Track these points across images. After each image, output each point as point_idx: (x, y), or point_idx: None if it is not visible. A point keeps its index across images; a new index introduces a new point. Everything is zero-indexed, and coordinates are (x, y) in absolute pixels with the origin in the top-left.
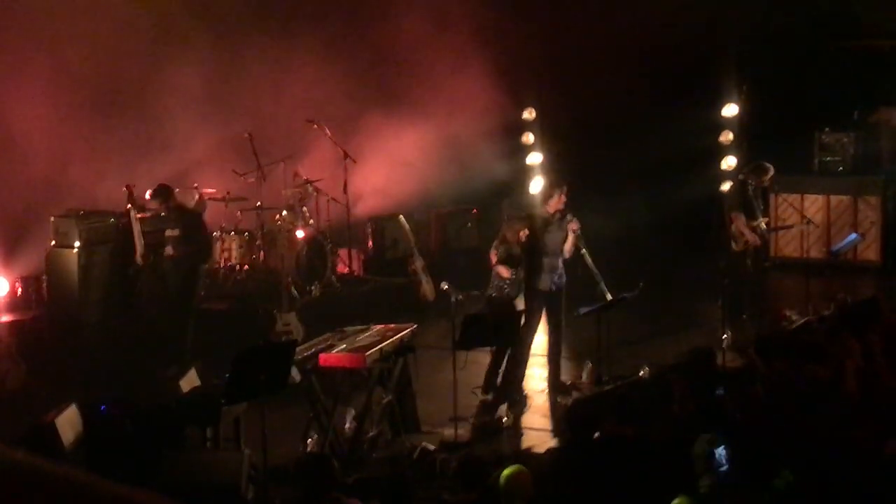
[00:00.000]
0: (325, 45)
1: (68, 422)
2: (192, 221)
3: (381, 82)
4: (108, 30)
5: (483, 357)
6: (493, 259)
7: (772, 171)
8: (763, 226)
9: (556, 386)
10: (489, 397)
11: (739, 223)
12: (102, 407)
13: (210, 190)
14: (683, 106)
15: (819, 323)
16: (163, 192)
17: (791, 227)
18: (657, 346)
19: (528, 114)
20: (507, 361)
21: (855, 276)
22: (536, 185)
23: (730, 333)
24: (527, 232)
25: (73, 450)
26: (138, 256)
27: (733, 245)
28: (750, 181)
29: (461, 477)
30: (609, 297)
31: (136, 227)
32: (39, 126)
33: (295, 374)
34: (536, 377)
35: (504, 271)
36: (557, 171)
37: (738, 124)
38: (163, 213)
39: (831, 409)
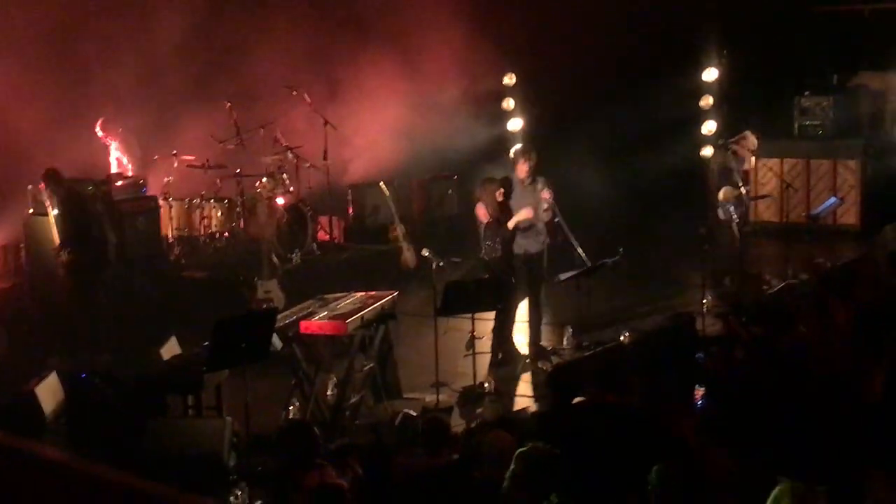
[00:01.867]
0: (304, 10)
1: (49, 390)
2: (75, 217)
3: (361, 48)
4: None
5: (464, 324)
6: (481, 214)
7: (752, 139)
8: (743, 194)
9: (537, 351)
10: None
11: (727, 192)
12: (83, 375)
13: (189, 157)
14: (664, 70)
15: (799, 287)
16: (48, 176)
17: (767, 196)
18: (637, 311)
19: (509, 79)
20: (496, 323)
21: (834, 240)
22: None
23: (710, 298)
24: (503, 191)
25: (54, 418)
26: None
27: (720, 213)
28: (734, 149)
29: (425, 439)
30: (589, 263)
31: (51, 216)
32: (8, 93)
33: (276, 341)
34: (518, 343)
35: (482, 213)
36: (527, 138)
37: (719, 89)
38: (47, 201)
39: (811, 374)
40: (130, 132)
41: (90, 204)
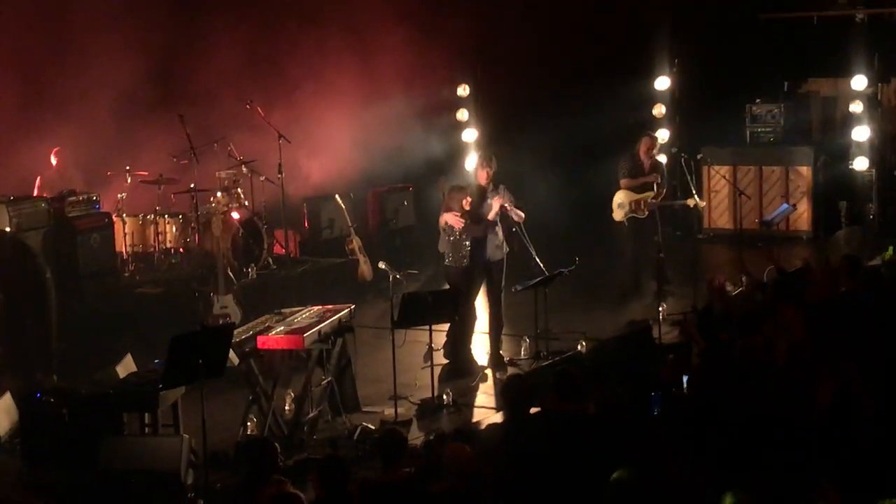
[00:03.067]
0: (255, 22)
1: (3, 409)
2: None
3: (316, 60)
4: (30, 16)
5: (422, 335)
6: (452, 221)
7: (650, 139)
8: (650, 199)
9: (496, 362)
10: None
11: (621, 194)
12: (37, 394)
13: (142, 172)
14: (617, 80)
15: (753, 293)
16: None
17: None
18: (594, 320)
19: (463, 90)
20: (454, 334)
21: (787, 246)
22: (472, 162)
23: (665, 306)
24: (470, 199)
25: (9, 438)
26: None
27: (613, 215)
28: (638, 151)
29: (382, 453)
30: (546, 272)
31: None
32: None
33: (233, 357)
34: (477, 353)
35: (454, 219)
36: (486, 147)
37: (671, 97)
38: None
39: (765, 379)
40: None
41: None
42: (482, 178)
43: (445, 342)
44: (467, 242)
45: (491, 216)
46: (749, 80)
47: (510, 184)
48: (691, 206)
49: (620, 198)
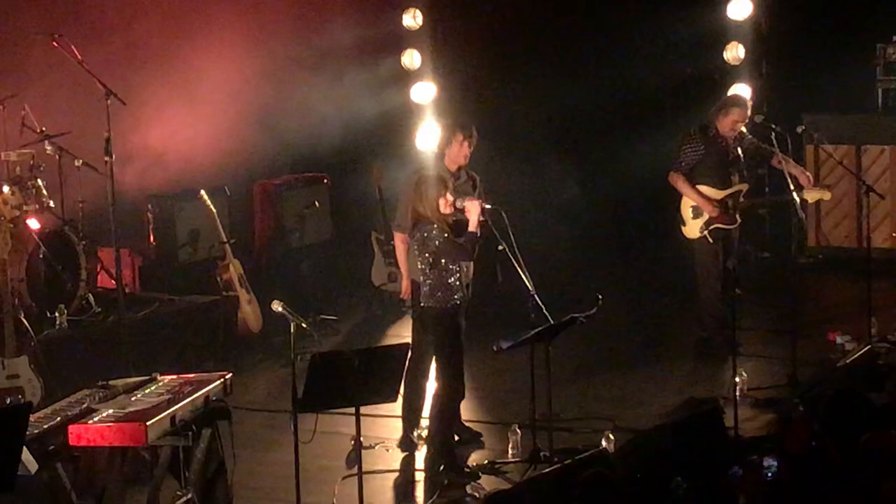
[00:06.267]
0: None
1: None
2: None
3: None
4: None
5: (343, 423)
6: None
7: (747, 107)
8: (741, 197)
9: (452, 463)
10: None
11: (688, 191)
12: None
13: None
14: (667, 4)
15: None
16: None
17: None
18: (629, 398)
19: (412, 18)
20: (431, 412)
21: None
22: (427, 136)
23: (745, 376)
24: (451, 199)
25: None
26: None
27: (683, 230)
28: (718, 125)
29: None
30: (550, 319)
31: None
32: None
33: (29, 460)
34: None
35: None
36: (460, 112)
37: (754, 33)
38: None
39: None
40: None
41: None
42: (454, 158)
43: (404, 432)
44: (455, 268)
45: (472, 228)
46: (881, 6)
47: (487, 169)
48: (810, 201)
49: (694, 197)
